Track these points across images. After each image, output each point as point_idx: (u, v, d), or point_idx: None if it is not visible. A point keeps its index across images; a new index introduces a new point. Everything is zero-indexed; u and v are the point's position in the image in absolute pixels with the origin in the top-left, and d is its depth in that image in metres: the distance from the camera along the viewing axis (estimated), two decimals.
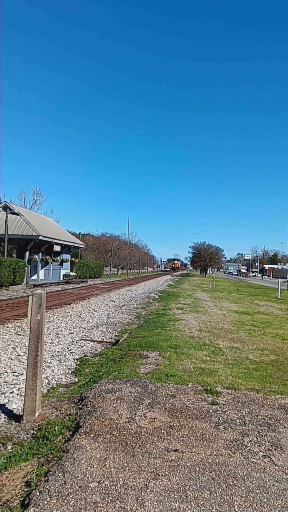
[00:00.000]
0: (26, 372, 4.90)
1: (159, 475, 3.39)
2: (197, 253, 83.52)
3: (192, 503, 3.07)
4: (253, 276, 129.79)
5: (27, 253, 32.31)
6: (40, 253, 34.57)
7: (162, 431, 4.26)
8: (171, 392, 5.53)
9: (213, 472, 3.49)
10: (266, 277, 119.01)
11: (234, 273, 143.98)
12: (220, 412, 4.95)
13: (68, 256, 42.46)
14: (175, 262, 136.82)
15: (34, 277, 34.86)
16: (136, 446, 3.88)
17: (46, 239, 32.75)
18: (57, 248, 36.97)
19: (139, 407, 4.90)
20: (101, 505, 2.95)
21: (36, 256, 33.73)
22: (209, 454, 3.82)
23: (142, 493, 3.13)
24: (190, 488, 3.24)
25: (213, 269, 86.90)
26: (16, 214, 33.29)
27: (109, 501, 3.01)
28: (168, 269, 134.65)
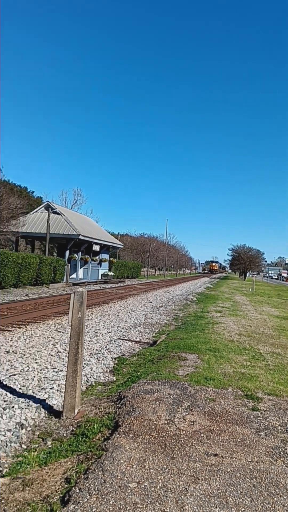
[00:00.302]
0: (67, 369, 4.96)
1: (199, 479, 3.34)
2: (236, 256, 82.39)
3: (233, 509, 3.00)
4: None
5: (67, 252, 32.89)
6: (80, 252, 35.10)
7: (202, 435, 4.20)
8: (210, 395, 5.45)
9: (254, 479, 3.40)
10: None
11: (274, 277, 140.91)
12: (261, 418, 4.83)
13: (106, 256, 42.89)
14: (213, 264, 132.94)
15: (74, 275, 35.42)
16: (176, 449, 3.83)
17: (86, 238, 33.21)
18: (96, 247, 37.41)
19: (178, 410, 4.85)
20: (141, 506, 2.93)
21: (76, 255, 34.28)
22: (250, 460, 3.73)
23: (182, 496, 3.08)
24: (231, 494, 3.17)
25: (252, 273, 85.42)
26: (58, 213, 33.94)
27: (149, 502, 2.98)
28: (206, 271, 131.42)
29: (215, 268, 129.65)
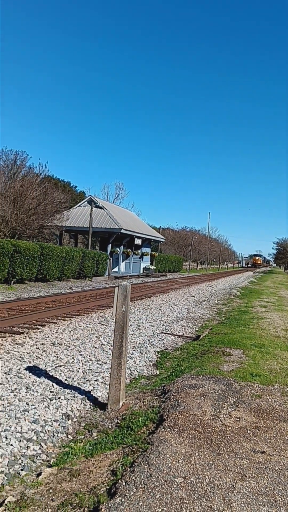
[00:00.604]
0: (111, 361, 4.99)
1: (246, 476, 3.27)
2: (281, 250, 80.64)
3: (282, 508, 2.92)
4: None
5: (109, 245, 33.23)
6: (122, 246, 35.37)
7: (248, 432, 4.11)
8: (256, 392, 5.34)
9: None
10: None
11: None
12: None
13: (148, 250, 43.01)
14: (257, 258, 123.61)
15: (116, 269, 35.75)
16: (222, 445, 3.78)
17: (127, 232, 33.43)
18: (138, 241, 37.59)
19: (223, 405, 4.78)
20: (187, 501, 2.90)
21: (117, 249, 34.58)
22: None
23: (229, 493, 3.03)
24: (279, 493, 3.08)
25: None
26: (100, 207, 34.32)
27: (196, 498, 2.95)
28: (249, 265, 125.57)
29: (259, 262, 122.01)
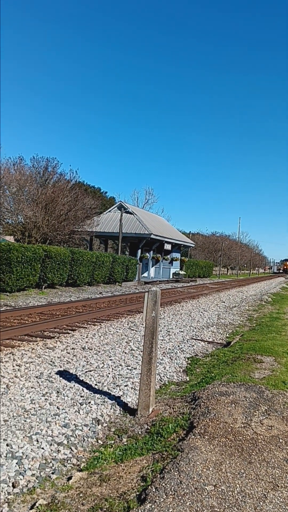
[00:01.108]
0: (141, 367, 4.99)
1: (278, 486, 3.21)
2: None
3: None
4: None
5: (139, 251, 33.34)
6: (151, 251, 35.42)
7: (280, 440, 4.03)
8: None
9: None
10: None
11: None
12: None
13: (178, 255, 42.91)
14: (287, 262, 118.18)
15: (145, 274, 35.81)
16: (253, 453, 3.72)
17: (157, 237, 33.46)
18: (167, 246, 37.57)
19: (254, 413, 4.71)
20: (218, 510, 2.86)
21: (147, 254, 34.64)
22: None
23: (261, 503, 2.98)
24: None
25: None
26: (130, 213, 34.52)
27: (226, 507, 2.91)
28: (280, 271, 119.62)
29: None
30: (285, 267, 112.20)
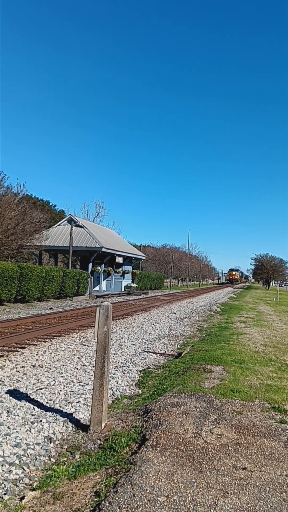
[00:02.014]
0: (93, 383, 5.01)
1: (228, 493, 3.32)
2: (259, 265, 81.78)
3: None
4: None
5: (90, 264, 33.18)
6: (103, 265, 35.34)
7: (230, 448, 4.17)
8: (237, 408, 5.42)
9: (284, 493, 3.36)
10: None
11: None
12: None
13: (129, 268, 43.06)
14: (233, 272, 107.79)
15: (97, 288, 35.63)
16: (204, 462, 3.83)
17: (108, 251, 33.46)
18: (119, 259, 37.63)
19: (205, 423, 4.84)
20: None
21: (98, 268, 34.53)
22: (279, 474, 3.69)
23: (212, 510, 3.07)
24: (261, 509, 3.14)
25: (276, 282, 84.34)
26: (80, 226, 34.36)
27: None
28: (227, 281, 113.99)
29: (236, 277, 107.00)
30: (230, 277, 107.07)
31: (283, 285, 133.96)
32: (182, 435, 4.43)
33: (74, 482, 3.65)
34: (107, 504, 3.10)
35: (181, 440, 4.31)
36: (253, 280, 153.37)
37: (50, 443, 4.56)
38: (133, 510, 3.02)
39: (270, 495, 3.32)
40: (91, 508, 3.15)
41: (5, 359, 8.31)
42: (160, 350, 10.57)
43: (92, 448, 4.43)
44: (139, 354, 9.78)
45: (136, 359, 9.21)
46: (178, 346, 11.12)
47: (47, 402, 5.82)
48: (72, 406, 5.71)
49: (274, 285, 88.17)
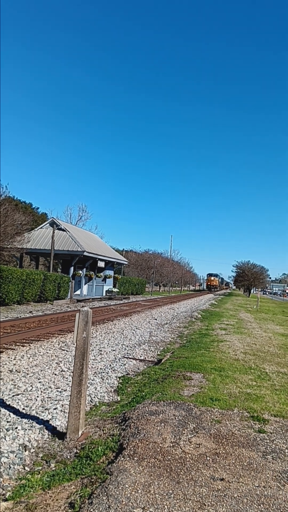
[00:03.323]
0: (71, 389, 4.91)
1: (205, 505, 3.27)
2: (240, 272, 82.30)
3: None
4: None
5: (72, 268, 32.91)
6: (85, 269, 35.09)
7: (208, 458, 4.13)
8: (216, 417, 5.38)
9: (261, 505, 3.33)
10: None
11: (278, 293, 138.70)
12: (268, 440, 4.75)
13: (111, 272, 42.88)
14: (212, 278, 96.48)
15: (78, 292, 35.37)
16: (181, 473, 3.77)
17: (90, 255, 33.26)
18: (101, 264, 37.44)
19: (183, 432, 4.78)
20: None
21: (80, 272, 34.28)
22: (257, 485, 3.65)
23: None
24: None
25: (257, 289, 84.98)
26: (62, 230, 34.09)
27: None
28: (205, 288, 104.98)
29: (215, 283, 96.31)
30: (208, 283, 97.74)
31: (266, 293, 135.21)
32: (160, 445, 4.37)
33: (48, 493, 3.55)
34: None
35: (159, 449, 4.25)
36: (234, 287, 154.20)
37: (25, 451, 4.45)
38: None
39: (247, 507, 3.28)
40: None
41: None
42: (140, 356, 10.50)
43: (68, 457, 4.33)
44: (119, 360, 9.69)
45: (116, 365, 9.12)
46: (158, 353, 11.07)
47: (23, 409, 5.69)
48: (49, 413, 5.60)
49: (255, 292, 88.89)
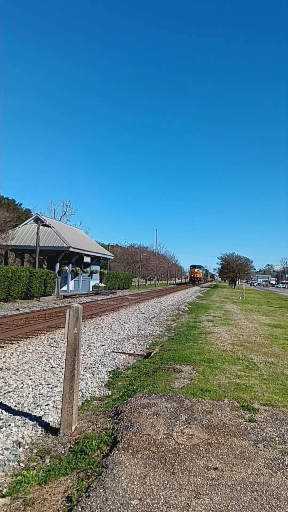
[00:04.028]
0: (63, 385, 4.94)
1: (200, 494, 3.34)
2: (225, 264, 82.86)
3: None
4: (283, 287, 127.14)
5: (58, 264, 32.77)
6: (70, 264, 34.97)
7: (201, 448, 4.20)
8: (207, 408, 5.46)
9: (255, 492, 3.41)
10: None
11: (262, 284, 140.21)
12: (259, 429, 4.85)
13: (97, 267, 42.80)
14: (196, 270, 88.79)
15: (64, 288, 35.26)
16: (175, 463, 3.83)
17: (76, 250, 33.14)
18: (87, 259, 37.34)
19: (176, 423, 4.85)
20: None
21: (66, 268, 34.15)
22: (249, 473, 3.74)
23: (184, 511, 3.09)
24: (233, 508, 3.17)
25: (242, 281, 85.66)
26: (47, 226, 33.88)
27: None
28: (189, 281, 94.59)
29: (199, 275, 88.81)
30: (192, 275, 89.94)
31: (254, 284, 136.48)
32: (154, 437, 4.43)
33: (45, 488, 3.59)
34: (80, 509, 3.06)
35: (152, 441, 4.31)
36: (219, 279, 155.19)
37: (19, 447, 4.47)
38: None
39: (241, 495, 3.36)
40: None
41: None
42: (130, 350, 10.55)
43: (63, 452, 4.36)
44: (108, 354, 9.73)
45: (106, 359, 9.16)
46: (147, 346, 11.14)
47: (15, 406, 5.70)
48: (41, 409, 5.62)
49: (240, 284, 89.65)
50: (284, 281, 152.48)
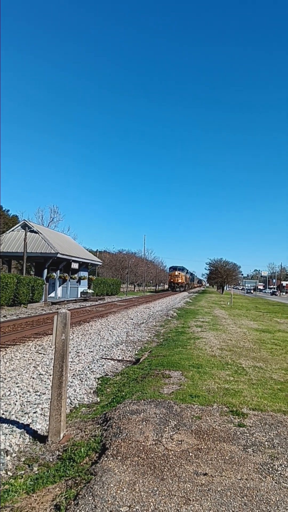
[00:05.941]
0: (51, 392, 4.89)
1: (190, 500, 3.32)
2: (213, 270, 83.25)
3: None
4: (269, 293, 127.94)
5: (45, 270, 32.56)
6: (58, 271, 34.78)
7: (190, 454, 4.18)
8: (196, 413, 5.45)
9: (245, 497, 3.41)
10: (284, 294, 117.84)
11: (250, 290, 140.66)
12: (248, 434, 4.85)
13: (85, 274, 42.64)
14: (176, 273, 76.21)
15: (52, 294, 35.05)
16: (165, 470, 3.81)
17: (64, 256, 32.98)
18: (75, 265, 37.18)
19: (165, 429, 4.83)
20: None
21: (54, 274, 33.95)
22: (239, 478, 3.73)
23: None
24: None
25: (230, 286, 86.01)
26: (35, 232, 33.68)
27: None
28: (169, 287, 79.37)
29: (180, 280, 75.89)
30: (171, 279, 77.27)
31: (242, 289, 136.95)
32: (143, 443, 4.40)
33: (33, 496, 3.54)
34: None
35: (141, 448, 4.28)
36: (208, 285, 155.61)
37: (7, 456, 4.40)
38: None
39: (231, 500, 3.35)
40: None
41: None
42: (118, 356, 10.51)
43: (51, 460, 4.31)
44: (97, 361, 9.67)
45: (94, 366, 9.10)
46: (136, 352, 11.10)
47: (2, 414, 5.63)
48: (29, 417, 5.55)
49: (228, 289, 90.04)
50: (272, 286, 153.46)
